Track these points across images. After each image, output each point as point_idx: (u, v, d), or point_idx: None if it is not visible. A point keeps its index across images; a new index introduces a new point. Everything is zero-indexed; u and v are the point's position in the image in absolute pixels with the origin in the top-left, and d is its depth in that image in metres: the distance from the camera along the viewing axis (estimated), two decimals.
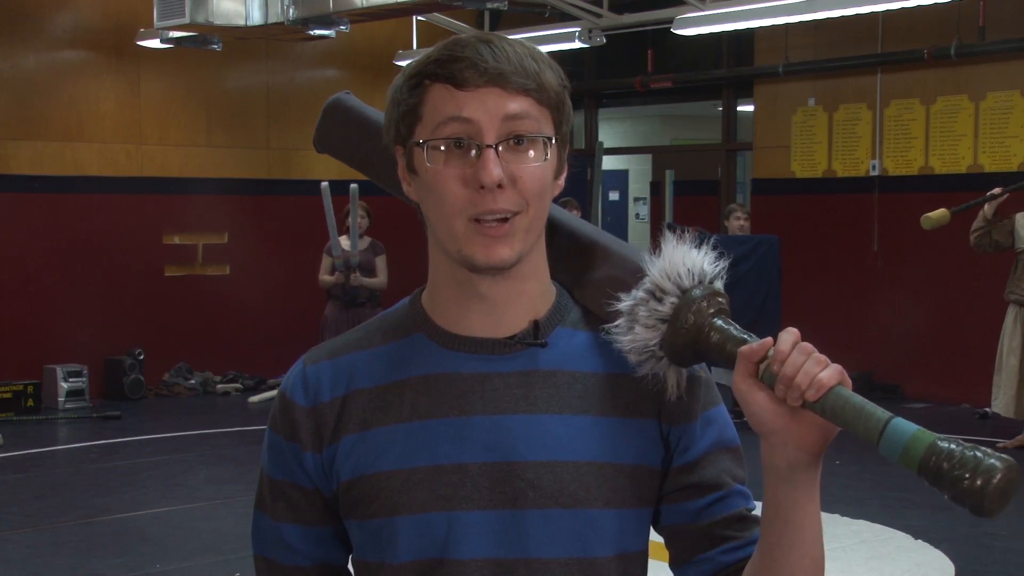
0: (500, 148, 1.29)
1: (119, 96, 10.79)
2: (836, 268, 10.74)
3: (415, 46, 11.35)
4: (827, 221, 10.79)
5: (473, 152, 1.29)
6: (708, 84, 12.01)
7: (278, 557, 1.44)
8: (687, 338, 1.28)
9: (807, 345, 1.21)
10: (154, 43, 10.21)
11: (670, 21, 9.49)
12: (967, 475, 1.09)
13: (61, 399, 10.04)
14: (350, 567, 1.44)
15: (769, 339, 1.23)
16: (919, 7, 8.67)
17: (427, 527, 1.32)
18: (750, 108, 11.69)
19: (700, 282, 1.30)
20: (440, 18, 10.85)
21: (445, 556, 1.32)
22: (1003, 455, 1.11)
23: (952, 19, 9.65)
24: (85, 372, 10.21)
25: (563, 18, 10.68)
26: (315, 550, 1.43)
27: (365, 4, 8.91)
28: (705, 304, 1.28)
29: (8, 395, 9.81)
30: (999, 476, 1.08)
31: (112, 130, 10.74)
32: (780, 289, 9.16)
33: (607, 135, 14.04)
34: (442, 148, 1.30)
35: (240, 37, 10.09)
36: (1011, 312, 8.16)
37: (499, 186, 1.28)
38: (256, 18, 9.29)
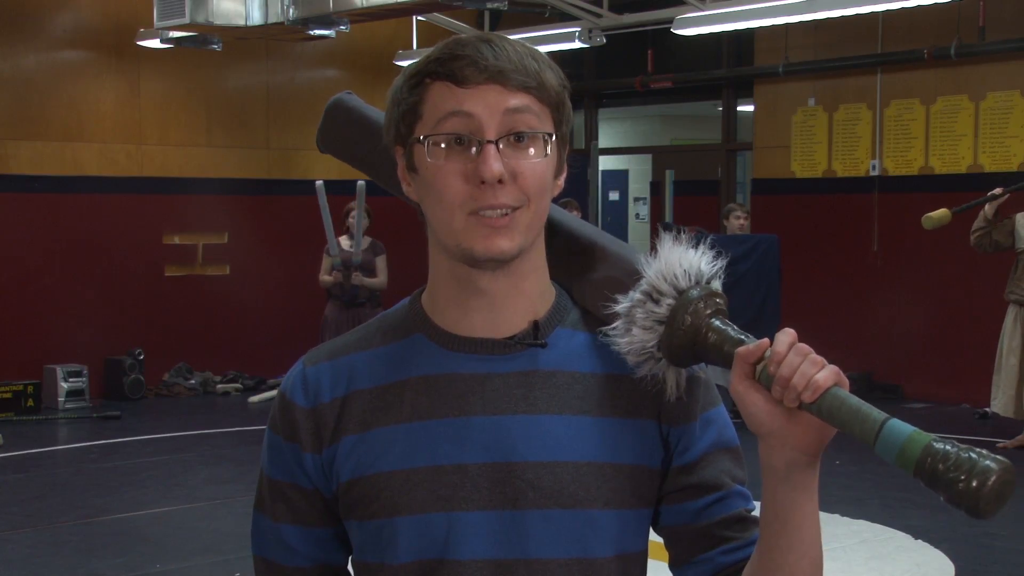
0: (500, 144, 1.29)
1: (119, 96, 10.79)
2: (836, 268, 10.74)
3: (415, 46, 11.36)
4: (827, 221, 10.79)
5: (474, 149, 1.29)
6: (708, 84, 12.00)
7: (278, 558, 1.44)
8: (684, 339, 1.28)
9: (804, 346, 1.21)
10: (154, 43, 10.22)
11: (670, 21, 9.49)
12: (962, 477, 1.09)
13: (61, 399, 10.04)
14: (350, 568, 1.44)
15: (766, 340, 1.23)
16: (919, 7, 8.68)
17: (427, 527, 1.32)
18: (750, 108, 11.69)
19: (697, 283, 1.30)
20: (440, 18, 10.86)
21: (445, 556, 1.32)
22: (999, 457, 1.11)
23: (952, 19, 9.65)
24: (85, 372, 10.21)
25: (563, 18, 10.68)
26: (315, 551, 1.43)
27: (365, 4, 8.92)
28: (702, 305, 1.28)
29: (8, 395, 9.82)
30: (994, 478, 1.08)
31: (112, 130, 10.74)
32: (780, 289, 9.16)
33: (607, 135, 14.04)
34: (442, 145, 1.30)
35: (240, 37, 10.09)
36: (1011, 312, 8.16)
37: (500, 181, 1.28)
38: (256, 18, 9.29)
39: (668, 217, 13.13)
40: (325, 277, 8.96)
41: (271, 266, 11.41)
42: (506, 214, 1.29)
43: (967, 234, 8.18)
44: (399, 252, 9.27)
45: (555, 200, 1.38)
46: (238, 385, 11.04)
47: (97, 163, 10.68)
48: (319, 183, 8.66)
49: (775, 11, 8.92)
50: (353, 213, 8.97)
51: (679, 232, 1.34)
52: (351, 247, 8.96)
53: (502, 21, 11.51)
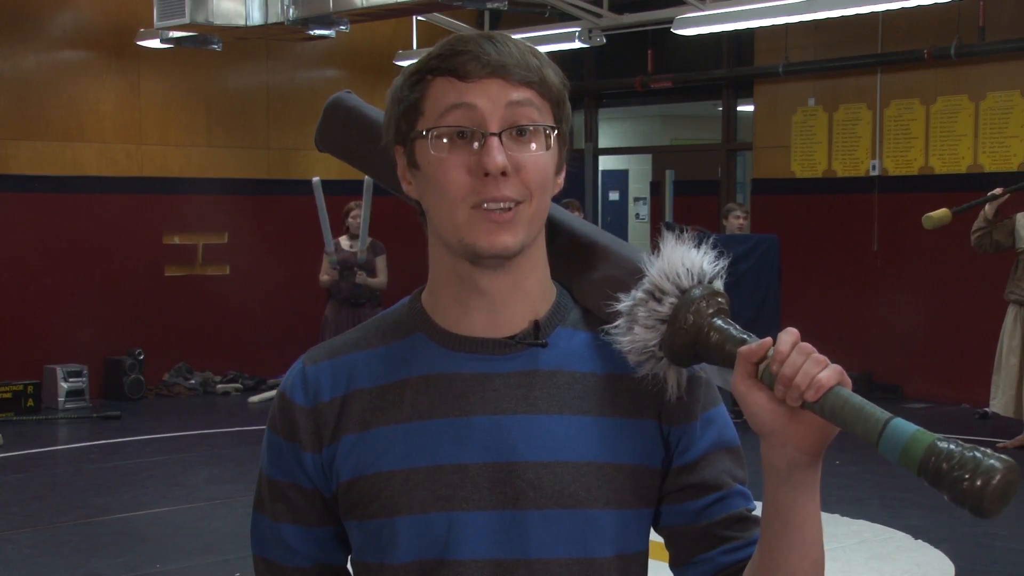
0: (503, 137, 1.29)
1: (119, 96, 10.79)
2: (836, 268, 10.74)
3: (415, 46, 11.36)
4: (827, 221, 10.79)
5: (476, 143, 1.29)
6: (708, 84, 12.00)
7: (277, 558, 1.43)
8: (686, 338, 1.28)
9: (806, 345, 1.21)
10: (154, 43, 10.21)
11: (670, 21, 9.49)
12: (967, 476, 1.09)
13: (61, 399, 10.04)
14: (349, 568, 1.44)
15: (768, 339, 1.23)
16: (919, 7, 8.68)
17: (427, 527, 1.32)
18: (750, 108, 11.69)
19: (699, 282, 1.30)
20: (440, 18, 10.86)
21: (445, 556, 1.32)
22: (1003, 456, 1.11)
23: (952, 19, 9.65)
24: (85, 372, 10.21)
25: (563, 18, 10.68)
26: (315, 551, 1.42)
27: (365, 4, 8.92)
28: (704, 304, 1.28)
29: (8, 395, 9.82)
30: (999, 477, 1.08)
31: (112, 130, 10.74)
32: (780, 289, 9.16)
33: (607, 135, 14.04)
34: (445, 139, 1.30)
35: (240, 37, 10.09)
36: (1011, 312, 8.16)
37: (503, 174, 1.28)
38: (256, 18, 9.29)
39: (668, 217, 13.13)
40: (324, 277, 8.96)
41: (271, 266, 11.40)
42: (509, 208, 1.29)
43: (967, 234, 8.18)
44: (399, 252, 9.27)
45: (556, 200, 1.38)
46: (238, 385, 11.04)
47: (97, 163, 10.68)
48: (316, 179, 8.66)
49: (775, 11, 8.92)
50: (353, 213, 8.97)
51: (682, 231, 1.34)
52: (351, 247, 8.96)
53: (502, 21, 11.51)
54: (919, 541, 6.00)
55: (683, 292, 1.29)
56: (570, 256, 1.43)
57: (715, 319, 1.28)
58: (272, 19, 9.28)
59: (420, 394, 1.35)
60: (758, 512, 1.35)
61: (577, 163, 12.21)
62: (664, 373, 1.32)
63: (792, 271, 9.95)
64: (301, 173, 11.35)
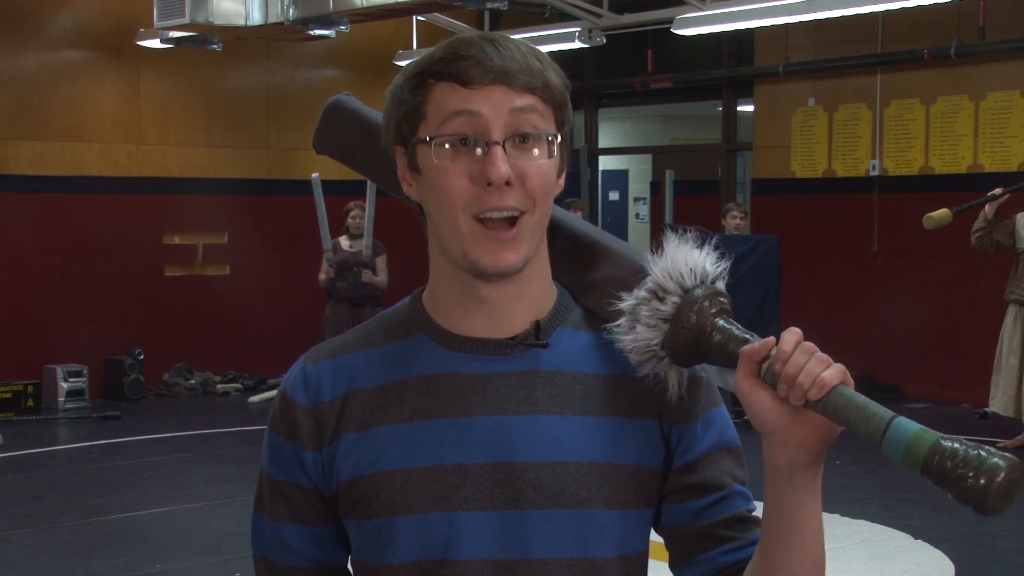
0: (506, 145, 1.28)
1: (119, 96, 10.79)
2: (836, 268, 10.74)
3: (415, 46, 11.36)
4: (827, 221, 10.79)
5: (479, 150, 1.28)
6: (708, 84, 12.00)
7: (278, 557, 1.43)
8: (689, 338, 1.28)
9: (810, 345, 1.21)
10: (154, 43, 10.22)
11: (670, 21, 9.49)
12: (970, 474, 1.09)
13: (61, 399, 10.04)
14: (349, 567, 1.44)
15: (771, 339, 1.23)
16: (919, 7, 8.68)
17: (427, 527, 1.32)
18: (750, 108, 11.69)
19: (702, 282, 1.30)
20: (440, 18, 10.86)
21: (445, 557, 1.32)
22: (1007, 454, 1.11)
23: (952, 19, 9.65)
24: (85, 372, 10.21)
25: (563, 18, 10.68)
26: (315, 550, 1.42)
27: (365, 4, 8.92)
28: (707, 304, 1.28)
29: (8, 395, 9.82)
30: (1003, 475, 1.08)
31: (112, 130, 10.74)
32: (780, 289, 9.16)
33: (607, 135, 14.04)
34: (447, 146, 1.29)
35: (240, 37, 10.09)
36: (1011, 312, 8.16)
37: (507, 183, 1.27)
38: (256, 18, 9.29)
39: (668, 217, 13.13)
40: (322, 276, 8.96)
41: (271, 266, 11.40)
42: (512, 220, 1.28)
43: (967, 234, 8.18)
44: (399, 252, 9.27)
45: (557, 200, 1.38)
46: (238, 385, 11.04)
47: (97, 163, 10.68)
48: (315, 175, 8.67)
49: (775, 11, 8.92)
50: (352, 213, 8.97)
51: (685, 232, 1.34)
52: (351, 247, 8.96)
53: (502, 21, 11.51)
54: (919, 541, 6.00)
55: (686, 292, 1.29)
56: (571, 256, 1.43)
57: (718, 319, 1.28)
58: (272, 19, 9.28)
59: (421, 394, 1.35)
60: (758, 512, 1.35)
61: (572, 163, 12.21)
62: (665, 373, 1.32)
63: (792, 271, 9.95)
64: (301, 173, 11.34)
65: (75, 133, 10.56)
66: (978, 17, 9.55)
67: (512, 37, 1.34)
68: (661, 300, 1.29)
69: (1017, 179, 8.37)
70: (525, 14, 10.80)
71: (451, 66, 1.29)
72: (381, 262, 8.98)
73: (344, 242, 9.00)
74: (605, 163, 14.05)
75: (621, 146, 14.94)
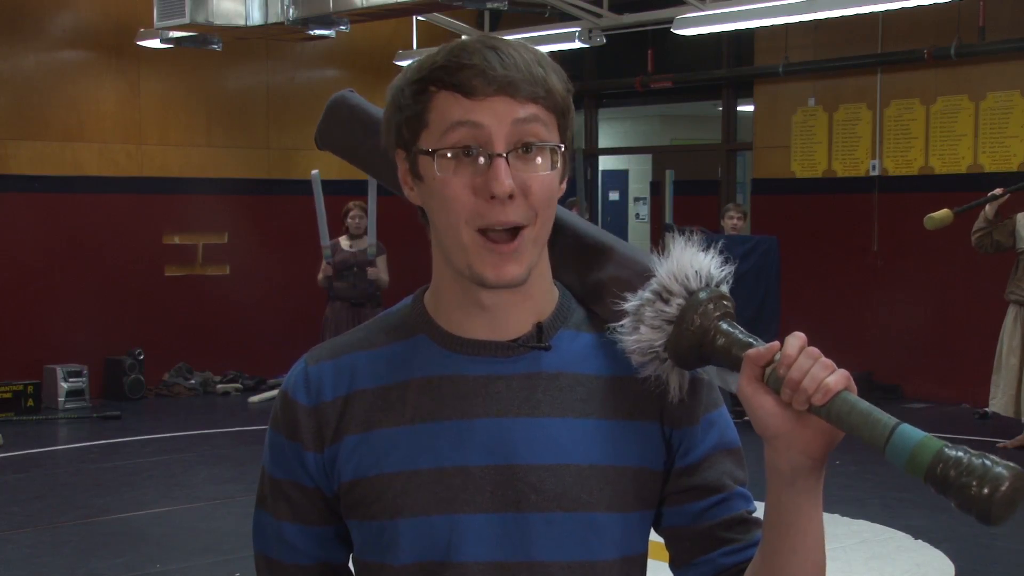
0: (509, 157, 1.27)
1: (119, 96, 10.79)
2: (836, 268, 10.74)
3: (415, 46, 11.36)
4: (827, 221, 10.79)
5: (482, 160, 1.27)
6: (708, 84, 12.01)
7: (279, 556, 1.44)
8: (692, 340, 1.28)
9: (814, 350, 1.21)
10: (154, 43, 10.22)
11: (670, 21, 9.49)
12: (974, 483, 1.09)
13: (61, 399, 10.04)
14: (350, 565, 1.44)
15: (776, 343, 1.23)
16: (919, 7, 8.68)
17: (429, 530, 1.32)
18: (750, 108, 11.69)
19: (707, 285, 1.30)
20: (440, 18, 10.86)
21: (447, 559, 1.32)
22: (1011, 463, 1.11)
23: (952, 19, 9.65)
24: (85, 372, 10.21)
25: (563, 18, 10.68)
26: (316, 549, 1.42)
27: (365, 4, 8.92)
28: (711, 307, 1.28)
29: (8, 395, 9.82)
30: (1007, 484, 1.08)
31: (112, 130, 10.74)
32: (779, 289, 9.16)
33: (607, 135, 14.05)
34: (449, 156, 1.28)
35: (240, 37, 10.09)
36: (1011, 312, 8.16)
37: (510, 196, 1.27)
38: (256, 18, 9.29)
39: (668, 217, 13.12)
40: (320, 275, 8.96)
41: (271, 266, 11.40)
42: (515, 233, 1.28)
43: (967, 234, 8.19)
44: (400, 252, 9.27)
45: (560, 201, 1.38)
46: (238, 385, 11.04)
47: (97, 163, 10.68)
48: (315, 173, 8.67)
49: (775, 11, 8.92)
50: (352, 213, 8.97)
51: (691, 234, 1.34)
52: (351, 247, 8.96)
53: (502, 21, 11.51)
54: (919, 541, 6.00)
55: (690, 294, 1.29)
56: (574, 256, 1.42)
57: (721, 322, 1.28)
58: (272, 19, 9.28)
59: (423, 396, 1.35)
60: (759, 513, 1.35)
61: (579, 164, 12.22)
62: (667, 375, 1.32)
63: (792, 271, 9.95)
64: (301, 173, 11.34)
65: (75, 133, 10.56)
66: (978, 17, 9.55)
67: (514, 40, 1.33)
68: (665, 302, 1.29)
69: (1017, 179, 8.37)
70: (525, 14, 10.79)
71: (453, 75, 1.28)
72: (381, 262, 8.98)
73: (344, 242, 9.00)
74: (605, 163, 14.05)
75: (621, 146, 14.94)
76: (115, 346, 10.55)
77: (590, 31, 9.98)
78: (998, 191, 7.88)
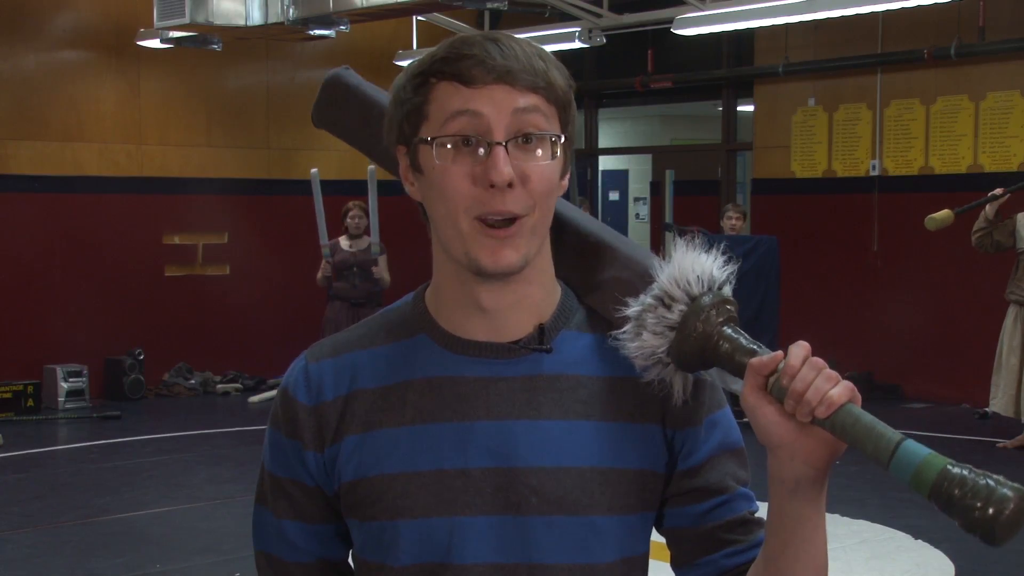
0: (509, 146, 1.27)
1: (119, 96, 10.79)
2: (836, 268, 10.74)
3: (415, 46, 11.36)
4: (827, 221, 10.79)
5: (482, 150, 1.27)
6: (708, 84, 12.00)
7: (280, 553, 1.43)
8: (695, 346, 1.27)
9: (818, 360, 1.20)
10: (154, 43, 10.22)
11: (670, 21, 9.49)
12: (979, 503, 1.09)
13: (61, 399, 10.04)
14: (350, 562, 1.44)
15: (779, 353, 1.22)
16: (919, 7, 8.68)
17: (429, 532, 1.32)
18: (750, 108, 11.69)
19: (709, 289, 1.29)
20: (440, 18, 10.86)
21: (447, 561, 1.32)
22: (1015, 484, 1.11)
23: (952, 19, 9.65)
24: (85, 372, 10.21)
25: (563, 18, 10.68)
26: (317, 547, 1.42)
27: (365, 4, 8.92)
28: (714, 313, 1.27)
29: (8, 395, 9.81)
30: (1012, 506, 1.08)
31: (112, 130, 10.74)
32: (779, 289, 9.16)
33: (607, 135, 14.04)
34: (449, 145, 1.28)
35: (240, 37, 10.09)
36: (1011, 312, 8.16)
37: (509, 185, 1.26)
38: (256, 18, 9.29)
39: (668, 217, 13.13)
40: (319, 274, 8.95)
41: (271, 266, 11.40)
42: (511, 221, 1.27)
43: (967, 234, 8.19)
44: (401, 250, 9.27)
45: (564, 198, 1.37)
46: (238, 385, 11.04)
47: (97, 163, 10.68)
48: (314, 171, 8.67)
49: (775, 11, 8.92)
50: (352, 213, 8.97)
51: (693, 236, 1.33)
52: (350, 247, 8.96)
53: (502, 21, 11.51)
54: (919, 541, 6.00)
55: (693, 299, 1.28)
56: (577, 255, 1.41)
57: (724, 328, 1.27)
58: (272, 19, 9.28)
59: (423, 397, 1.35)
60: (761, 513, 1.34)
61: (579, 164, 12.22)
62: (670, 378, 1.31)
63: (792, 271, 9.94)
64: (301, 173, 11.33)
65: (75, 133, 10.55)
66: (978, 17, 9.55)
67: (515, 36, 1.32)
68: (668, 308, 1.28)
69: (1017, 179, 8.37)
70: (525, 14, 10.80)
71: (453, 65, 1.27)
72: (382, 261, 8.98)
73: (344, 242, 9.00)
74: (605, 163, 14.05)
75: (621, 146, 14.93)
76: (115, 346, 10.55)
77: (590, 31, 9.98)
78: (998, 191, 7.88)
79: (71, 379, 10.13)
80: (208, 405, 10.47)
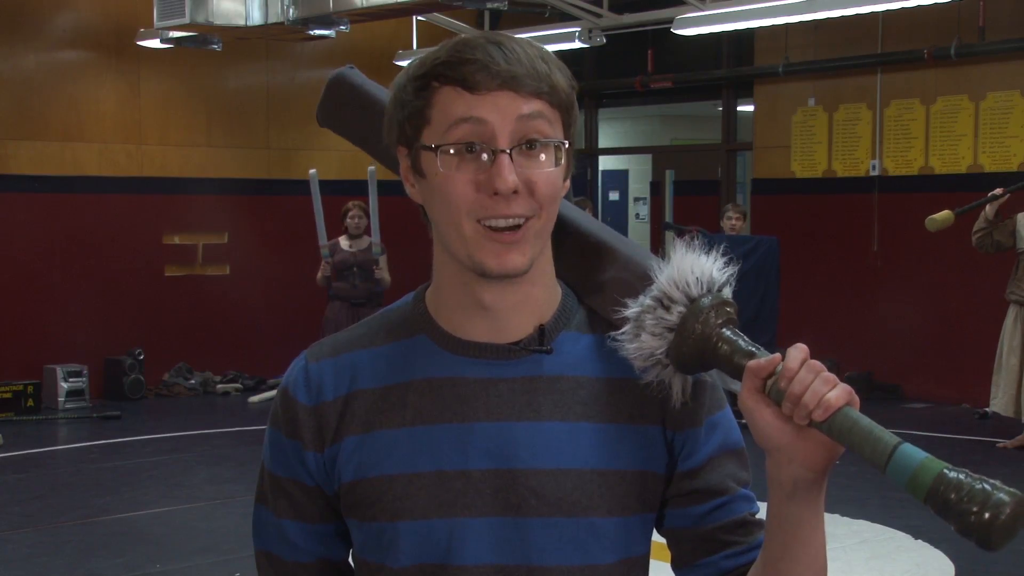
0: (513, 153, 1.26)
1: (119, 96, 10.79)
2: (836, 268, 10.74)
3: (415, 46, 11.36)
4: (827, 221, 10.79)
5: (485, 156, 1.26)
6: (708, 84, 12.00)
7: (280, 553, 1.44)
8: (694, 348, 1.27)
9: (816, 363, 1.20)
10: (154, 43, 10.21)
11: (670, 21, 9.49)
12: (975, 508, 1.09)
13: (61, 399, 10.04)
14: (350, 561, 1.44)
15: (777, 355, 1.22)
16: (919, 7, 8.68)
17: (429, 533, 1.32)
18: (750, 108, 11.69)
19: (708, 291, 1.28)
20: (440, 18, 10.86)
21: (446, 562, 1.32)
22: (1012, 489, 1.10)
23: (952, 19, 9.65)
24: (85, 372, 10.20)
25: (563, 18, 10.68)
26: (317, 546, 1.42)
27: (365, 4, 8.92)
28: (713, 315, 1.27)
29: (8, 395, 9.81)
30: (1008, 511, 1.08)
31: (112, 130, 10.74)
32: (779, 290, 9.16)
33: (607, 135, 14.04)
34: (452, 152, 1.27)
35: (240, 37, 10.09)
36: (1011, 312, 8.16)
37: (514, 192, 1.25)
38: (256, 18, 9.29)
39: (668, 217, 13.13)
40: (319, 274, 8.95)
41: (271, 266, 11.40)
42: (517, 226, 1.27)
43: (967, 234, 8.19)
44: (402, 250, 9.27)
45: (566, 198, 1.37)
46: (238, 385, 11.04)
47: (97, 163, 10.68)
48: (312, 172, 8.67)
49: (775, 11, 8.92)
50: (351, 213, 8.97)
51: (692, 237, 1.33)
52: (350, 247, 8.96)
53: (502, 21, 11.51)
54: (919, 541, 6.00)
55: (692, 301, 1.27)
56: (577, 255, 1.41)
57: (723, 329, 1.27)
58: (272, 19, 9.28)
59: (423, 397, 1.34)
60: (762, 514, 1.34)
61: (580, 164, 12.20)
62: (669, 380, 1.31)
63: (792, 271, 9.94)
64: (301, 173, 11.31)
65: (75, 133, 10.55)
66: (978, 17, 9.55)
67: (517, 37, 1.31)
68: (667, 309, 1.28)
69: (1017, 179, 8.37)
70: (525, 14, 10.80)
71: (456, 70, 1.26)
72: (383, 262, 8.98)
73: (343, 242, 9.00)
74: (605, 163, 14.05)
75: (621, 146, 14.93)
76: (115, 346, 10.55)
77: (590, 31, 9.98)
78: (998, 191, 7.89)
79: (71, 379, 10.13)
80: (208, 405, 10.47)
